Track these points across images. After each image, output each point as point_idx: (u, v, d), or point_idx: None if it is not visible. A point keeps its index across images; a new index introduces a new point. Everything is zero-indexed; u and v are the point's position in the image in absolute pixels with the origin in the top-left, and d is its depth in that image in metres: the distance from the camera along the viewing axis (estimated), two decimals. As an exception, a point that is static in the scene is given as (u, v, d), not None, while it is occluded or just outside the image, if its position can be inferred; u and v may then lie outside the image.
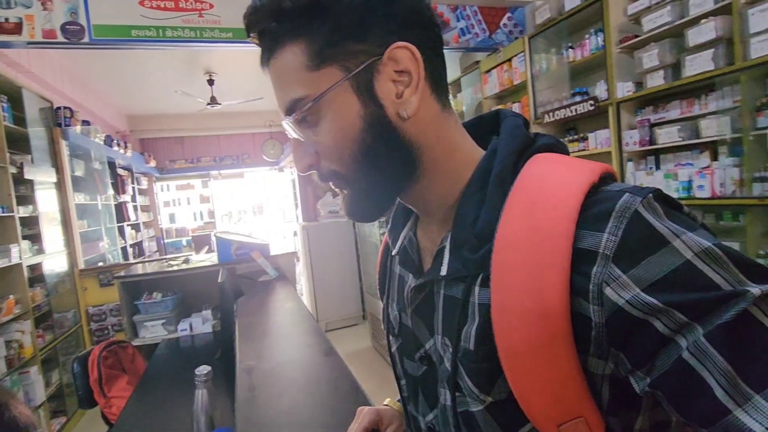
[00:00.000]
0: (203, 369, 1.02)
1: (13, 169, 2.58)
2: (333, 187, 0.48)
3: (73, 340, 3.26)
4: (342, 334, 4.49)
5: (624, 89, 2.35)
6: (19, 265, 2.52)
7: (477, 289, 0.42)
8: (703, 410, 0.30)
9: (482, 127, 0.50)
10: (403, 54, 0.41)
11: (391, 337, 0.59)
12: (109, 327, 3.43)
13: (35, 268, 2.84)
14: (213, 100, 4.93)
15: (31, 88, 3.07)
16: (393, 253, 0.57)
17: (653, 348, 0.32)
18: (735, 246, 1.97)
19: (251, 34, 0.44)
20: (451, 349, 0.44)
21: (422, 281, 0.48)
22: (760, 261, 1.86)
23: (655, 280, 0.32)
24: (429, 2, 0.45)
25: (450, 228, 0.45)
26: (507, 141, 0.44)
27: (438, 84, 0.45)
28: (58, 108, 3.37)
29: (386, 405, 0.70)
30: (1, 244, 2.42)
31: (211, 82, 4.78)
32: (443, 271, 0.45)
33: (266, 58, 0.44)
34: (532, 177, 0.40)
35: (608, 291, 0.33)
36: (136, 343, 2.21)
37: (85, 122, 3.81)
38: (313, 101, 0.41)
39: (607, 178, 0.40)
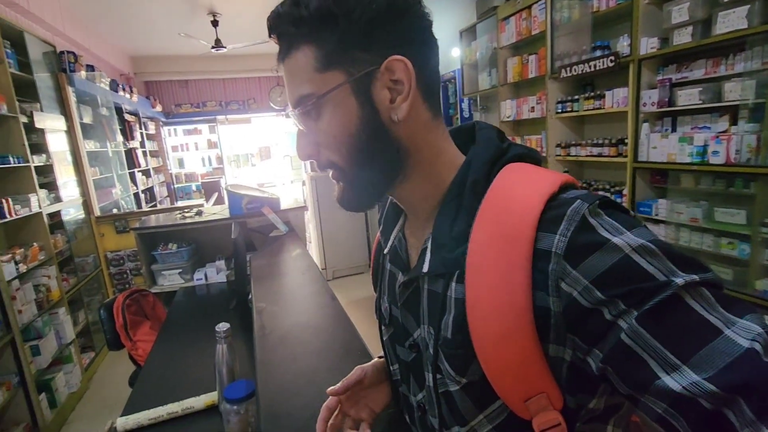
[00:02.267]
0: (223, 326, 1.10)
1: (23, 118, 2.59)
2: (331, 177, 0.53)
3: (95, 282, 3.44)
4: (349, 281, 4.66)
5: (648, 45, 2.24)
6: (39, 214, 2.61)
7: (453, 285, 0.48)
8: (639, 380, 0.36)
9: (462, 136, 0.55)
10: (399, 66, 0.46)
11: (383, 327, 0.65)
12: (128, 271, 3.60)
13: (54, 216, 2.93)
14: (218, 43, 4.75)
15: (33, 32, 2.98)
16: (384, 252, 0.63)
17: (601, 331, 0.38)
18: (741, 213, 1.98)
19: (272, 35, 0.49)
20: (433, 337, 0.51)
21: (409, 278, 0.54)
22: (765, 230, 1.87)
23: (599, 274, 0.38)
24: (430, 23, 0.49)
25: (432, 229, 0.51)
26: (481, 152, 0.50)
27: (430, 95, 0.50)
28: (62, 52, 3.29)
29: (380, 358, 0.76)
30: (20, 194, 2.49)
31: (215, 23, 4.58)
32: (425, 268, 0.51)
33: (282, 57, 0.49)
34: (502, 187, 0.46)
35: (563, 285, 0.39)
36: (155, 290, 2.34)
37: (90, 67, 3.73)
38: (317, 98, 0.47)
39: (566, 187, 0.45)
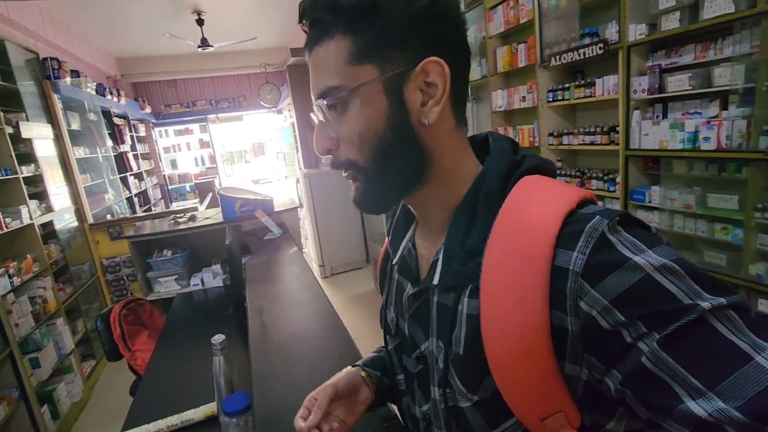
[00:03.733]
0: (218, 338, 1.09)
1: (9, 129, 2.55)
2: (346, 177, 0.51)
3: (92, 290, 3.43)
4: (346, 277, 4.67)
5: (636, 31, 2.22)
6: (31, 225, 2.59)
7: (465, 299, 0.47)
8: (662, 405, 0.35)
9: (476, 147, 0.54)
10: (435, 68, 0.45)
11: (388, 337, 0.64)
12: (124, 278, 3.59)
13: (46, 226, 2.91)
14: (204, 42, 4.69)
15: (14, 40, 2.93)
16: (393, 263, 0.61)
17: (621, 353, 0.37)
18: (734, 199, 1.98)
19: (303, 21, 0.47)
20: (443, 351, 0.49)
21: (419, 289, 0.53)
22: (758, 214, 1.88)
23: (619, 294, 0.36)
24: (465, 32, 0.48)
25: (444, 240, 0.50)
26: (494, 165, 0.49)
27: (458, 103, 0.49)
28: (45, 59, 3.23)
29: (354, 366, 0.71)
30: (10, 207, 2.46)
31: (200, 21, 4.51)
32: (435, 280, 0.50)
33: (311, 45, 0.47)
34: (518, 202, 0.45)
35: (582, 304, 0.38)
36: (151, 297, 2.33)
37: (75, 72, 3.67)
38: (348, 92, 0.45)
39: (584, 203, 0.44)
